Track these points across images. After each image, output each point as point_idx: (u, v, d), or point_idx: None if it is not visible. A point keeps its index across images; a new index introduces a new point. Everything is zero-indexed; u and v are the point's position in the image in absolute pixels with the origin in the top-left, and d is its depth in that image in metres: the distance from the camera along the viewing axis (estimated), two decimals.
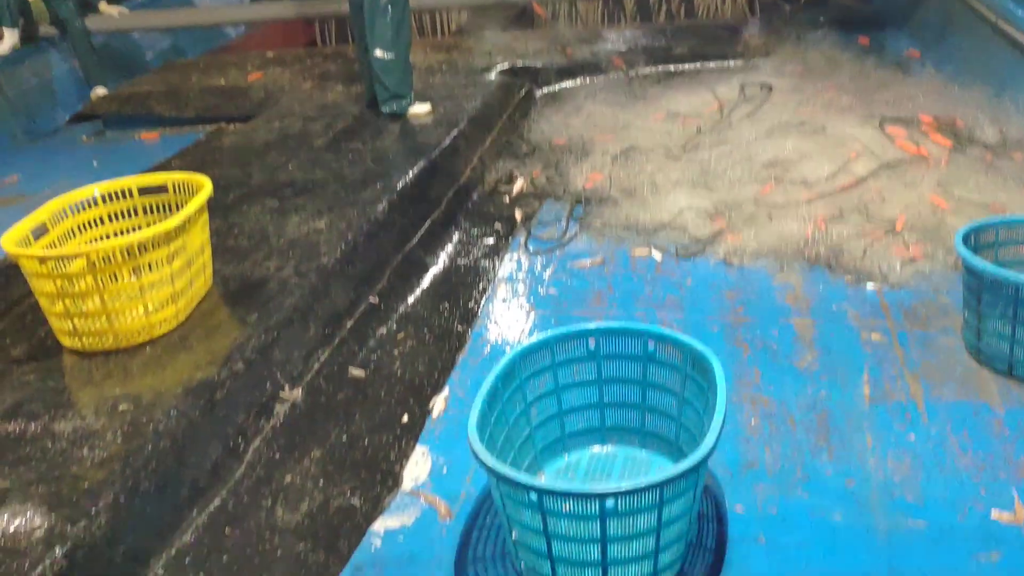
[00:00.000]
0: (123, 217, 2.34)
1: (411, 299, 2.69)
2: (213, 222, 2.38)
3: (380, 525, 1.86)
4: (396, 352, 2.44)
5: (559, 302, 2.69)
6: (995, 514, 1.74)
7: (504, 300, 2.72)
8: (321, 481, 1.95)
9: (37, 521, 1.56)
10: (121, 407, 1.85)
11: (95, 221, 2.30)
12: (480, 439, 1.62)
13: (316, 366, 2.27)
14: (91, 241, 2.26)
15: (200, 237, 2.24)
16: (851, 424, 2.02)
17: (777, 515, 1.79)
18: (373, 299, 2.59)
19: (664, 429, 1.94)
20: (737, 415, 2.08)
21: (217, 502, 1.82)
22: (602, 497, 1.49)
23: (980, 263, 2.11)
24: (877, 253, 2.72)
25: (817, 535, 1.73)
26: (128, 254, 2.03)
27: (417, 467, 2.04)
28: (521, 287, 2.79)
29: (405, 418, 2.18)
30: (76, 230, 2.25)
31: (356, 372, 2.33)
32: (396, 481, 1.99)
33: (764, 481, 1.88)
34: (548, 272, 2.86)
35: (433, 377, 2.36)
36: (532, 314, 2.64)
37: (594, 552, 1.57)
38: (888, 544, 1.69)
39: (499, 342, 2.51)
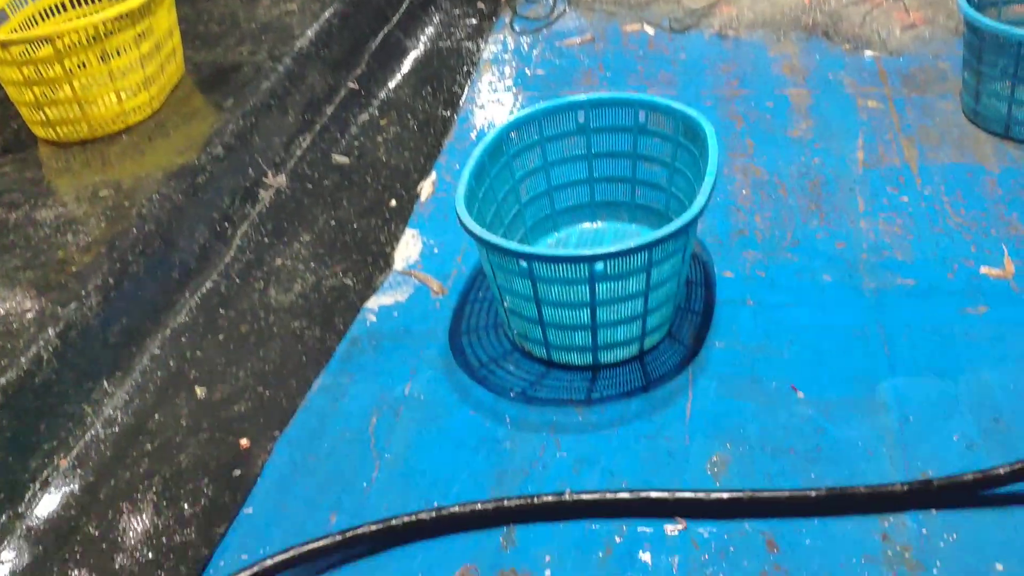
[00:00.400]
0: (87, 3, 2.22)
1: (392, 84, 2.60)
2: (180, 9, 2.26)
3: (374, 302, 1.87)
4: (379, 139, 2.38)
5: (547, 82, 2.60)
6: (984, 270, 1.74)
7: (490, 83, 2.63)
8: (312, 263, 1.95)
9: (27, 304, 1.56)
10: (102, 193, 1.82)
11: (58, 7, 2.18)
12: (468, 213, 1.60)
13: (298, 153, 2.22)
14: None
15: (167, 19, 2.14)
16: (843, 189, 2.00)
17: (766, 278, 1.79)
18: (352, 84, 2.50)
19: (655, 202, 1.92)
20: (728, 186, 2.05)
21: (209, 285, 1.82)
22: (591, 260, 1.49)
23: (982, 19, 2.03)
24: (877, 19, 2.61)
25: (805, 296, 1.74)
26: (94, 38, 1.94)
27: (407, 249, 2.03)
28: (507, 69, 2.69)
29: (393, 202, 2.16)
30: (39, 17, 2.14)
31: (340, 159, 2.28)
32: (387, 262, 1.98)
33: (754, 248, 1.88)
34: (535, 52, 2.75)
35: (419, 162, 2.31)
36: (520, 96, 2.56)
37: (584, 316, 1.58)
38: (877, 302, 1.70)
39: (485, 126, 2.44)
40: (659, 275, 1.56)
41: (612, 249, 1.48)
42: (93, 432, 1.51)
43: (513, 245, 1.53)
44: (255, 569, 1.27)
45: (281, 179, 2.11)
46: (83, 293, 1.58)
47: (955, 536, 1.28)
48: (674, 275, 1.61)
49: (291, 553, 1.29)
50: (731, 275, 1.82)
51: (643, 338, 1.66)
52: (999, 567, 1.23)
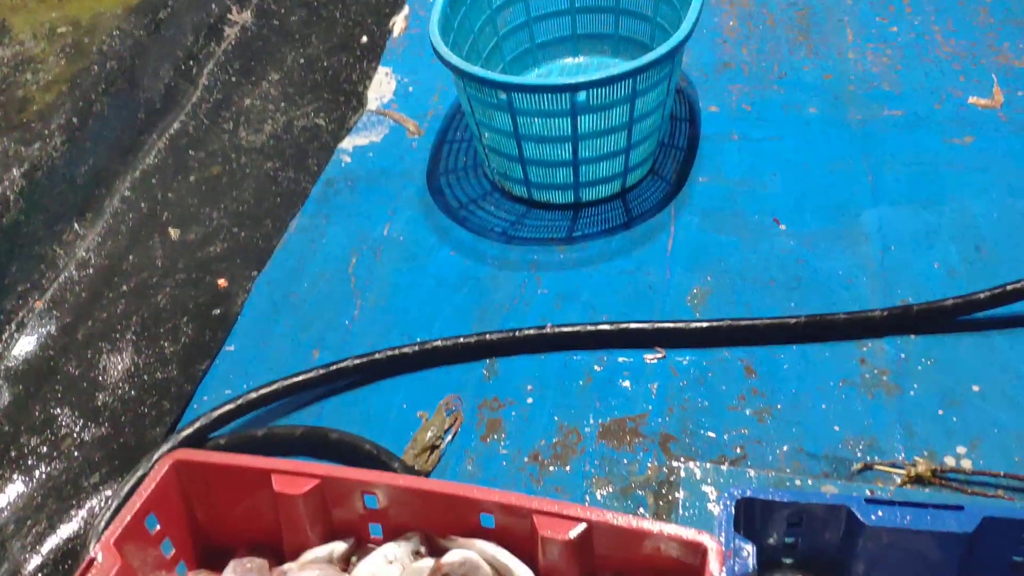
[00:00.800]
0: None
1: None
2: None
3: (348, 143, 1.82)
4: None
5: None
6: (972, 99, 1.71)
7: None
8: (282, 103, 1.89)
9: None
10: (60, 30, 1.73)
11: None
12: (444, 43, 1.53)
13: None
14: None
15: None
16: (832, 20, 1.93)
17: (751, 112, 1.75)
18: None
19: (639, 33, 1.84)
20: (715, 17, 1.98)
21: (177, 126, 1.76)
22: (574, 89, 1.43)
23: None
24: None
25: (790, 128, 1.71)
26: None
27: (381, 87, 1.96)
28: None
29: (364, 39, 2.07)
30: None
31: None
32: (360, 101, 1.92)
33: (740, 81, 1.83)
34: None
35: None
36: None
37: (566, 151, 1.54)
38: (863, 133, 1.67)
39: None
40: (643, 106, 1.51)
41: (595, 77, 1.43)
42: (67, 274, 1.49)
43: (492, 75, 1.47)
44: (239, 402, 1.28)
45: (246, 15, 2.01)
46: (47, 133, 1.52)
47: (933, 360, 1.30)
48: (658, 107, 1.56)
49: (275, 386, 1.30)
50: (716, 109, 1.78)
51: (626, 175, 1.63)
52: (975, 388, 1.25)
